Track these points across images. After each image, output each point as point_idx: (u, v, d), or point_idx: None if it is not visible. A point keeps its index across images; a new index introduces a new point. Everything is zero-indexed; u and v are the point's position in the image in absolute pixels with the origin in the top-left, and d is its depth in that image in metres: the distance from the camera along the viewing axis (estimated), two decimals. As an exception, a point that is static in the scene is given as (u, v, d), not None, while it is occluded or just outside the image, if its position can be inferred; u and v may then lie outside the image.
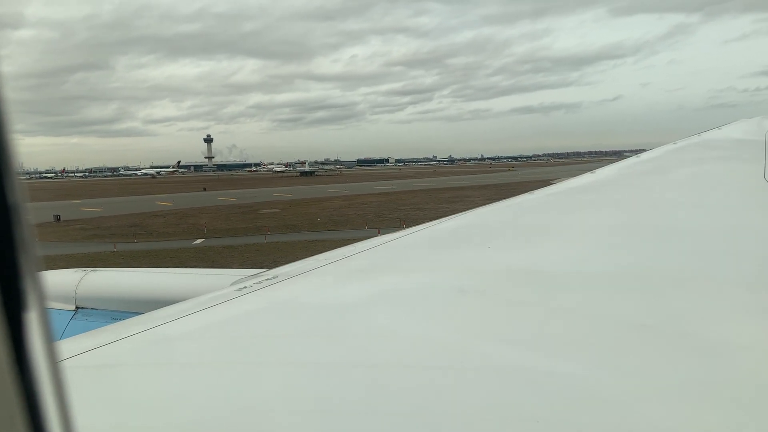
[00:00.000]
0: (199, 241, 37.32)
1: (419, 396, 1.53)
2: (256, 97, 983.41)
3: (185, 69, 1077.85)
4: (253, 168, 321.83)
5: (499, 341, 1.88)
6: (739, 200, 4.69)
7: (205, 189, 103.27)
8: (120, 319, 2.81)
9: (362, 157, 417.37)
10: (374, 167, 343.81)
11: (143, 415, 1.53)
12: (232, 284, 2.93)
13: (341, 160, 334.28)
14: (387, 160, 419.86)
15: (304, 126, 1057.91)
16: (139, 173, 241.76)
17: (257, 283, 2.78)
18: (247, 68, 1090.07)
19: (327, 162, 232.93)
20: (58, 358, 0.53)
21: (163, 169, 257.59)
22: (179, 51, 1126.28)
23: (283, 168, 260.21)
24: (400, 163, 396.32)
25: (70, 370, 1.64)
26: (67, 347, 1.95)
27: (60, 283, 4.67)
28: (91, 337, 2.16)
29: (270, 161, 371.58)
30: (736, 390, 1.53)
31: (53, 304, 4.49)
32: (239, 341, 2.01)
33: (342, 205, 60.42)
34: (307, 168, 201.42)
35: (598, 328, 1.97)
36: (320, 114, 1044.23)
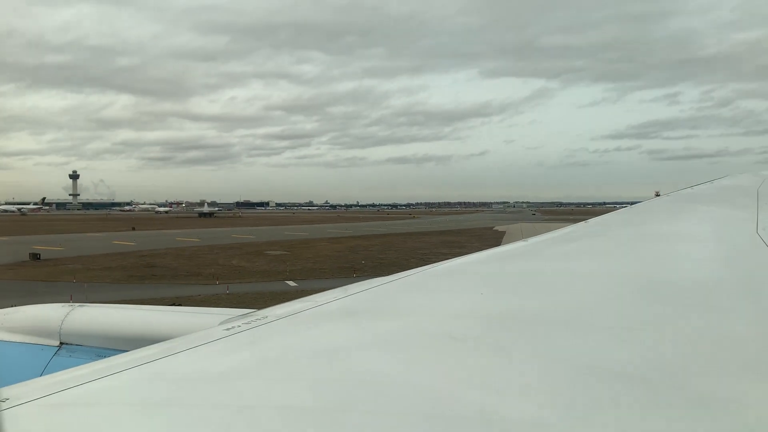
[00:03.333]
0: (292, 283, 34.76)
1: None
2: (125, 134, 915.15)
3: (50, 101, 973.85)
4: (127, 207, 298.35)
5: (491, 390, 1.87)
6: (731, 254, 4.83)
7: (134, 228, 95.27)
8: (105, 356, 2.76)
9: (240, 200, 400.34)
10: (256, 210, 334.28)
11: None
12: (221, 324, 2.90)
13: (218, 201, 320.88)
14: (267, 204, 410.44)
15: (174, 165, 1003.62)
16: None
17: (246, 324, 2.77)
18: (118, 104, 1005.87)
19: (203, 203, 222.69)
20: None
21: (24, 206, 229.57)
22: (44, 81, 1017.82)
23: (166, 209, 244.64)
24: (281, 206, 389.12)
25: (50, 408, 1.68)
26: (46, 383, 1.96)
27: (44, 318, 4.54)
28: (72, 374, 2.10)
29: (142, 201, 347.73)
30: None
31: (36, 339, 4.38)
32: (225, 382, 2.00)
33: (347, 247, 59.13)
34: (206, 209, 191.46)
35: (591, 379, 1.96)
36: (193, 154, 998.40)
